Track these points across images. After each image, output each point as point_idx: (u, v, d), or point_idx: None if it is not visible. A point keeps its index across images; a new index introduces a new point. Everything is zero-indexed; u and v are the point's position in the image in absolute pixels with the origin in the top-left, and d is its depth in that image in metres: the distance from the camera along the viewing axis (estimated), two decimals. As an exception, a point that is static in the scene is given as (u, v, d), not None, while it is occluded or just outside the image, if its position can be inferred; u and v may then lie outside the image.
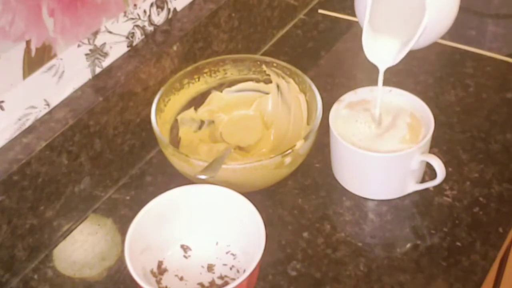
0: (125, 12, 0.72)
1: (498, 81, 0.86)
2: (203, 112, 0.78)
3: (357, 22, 0.98)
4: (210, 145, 0.76)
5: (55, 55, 0.66)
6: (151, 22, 0.77)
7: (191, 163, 0.66)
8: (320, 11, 0.99)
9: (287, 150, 0.66)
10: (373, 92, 0.73)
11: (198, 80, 0.77)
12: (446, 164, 0.67)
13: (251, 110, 0.79)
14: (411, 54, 0.92)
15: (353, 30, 0.97)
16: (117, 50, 0.74)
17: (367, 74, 0.88)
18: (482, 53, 0.90)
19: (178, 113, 0.76)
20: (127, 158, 0.76)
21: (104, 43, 0.71)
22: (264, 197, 0.72)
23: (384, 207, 0.71)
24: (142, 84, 0.74)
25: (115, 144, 0.73)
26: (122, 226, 0.71)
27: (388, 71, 0.89)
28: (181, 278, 0.64)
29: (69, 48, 0.67)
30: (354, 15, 0.98)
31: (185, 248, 0.66)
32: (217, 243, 0.67)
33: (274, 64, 0.77)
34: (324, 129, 0.70)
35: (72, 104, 0.69)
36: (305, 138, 0.67)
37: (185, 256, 0.66)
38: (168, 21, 0.79)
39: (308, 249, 0.68)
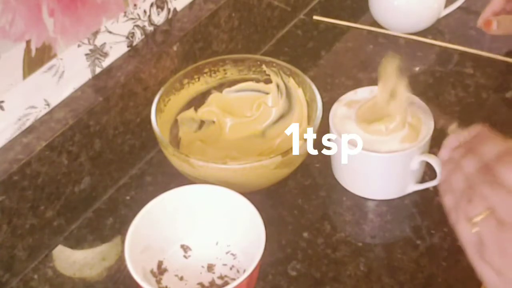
0: (125, 12, 0.72)
1: (498, 81, 0.86)
2: (203, 112, 0.78)
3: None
4: (210, 145, 0.76)
5: (55, 55, 0.66)
6: (151, 22, 0.77)
7: (191, 163, 0.66)
8: (315, 17, 0.99)
9: (287, 150, 0.66)
10: (373, 92, 0.73)
11: (198, 80, 0.77)
12: (446, 164, 0.67)
13: (251, 110, 0.79)
14: (411, 54, 0.92)
15: (353, 30, 0.97)
16: (117, 50, 0.74)
17: (367, 74, 0.89)
18: (482, 53, 0.90)
19: (178, 113, 0.76)
20: (127, 158, 0.76)
21: (104, 43, 0.71)
22: (264, 197, 0.72)
23: (384, 207, 0.71)
24: (142, 84, 0.74)
25: (115, 144, 0.73)
26: (122, 226, 0.71)
27: (388, 71, 0.90)
28: (181, 278, 0.64)
29: (69, 48, 0.67)
30: (350, 20, 0.98)
31: (185, 248, 0.66)
32: (217, 243, 0.67)
33: (274, 64, 0.77)
34: (324, 129, 0.70)
35: (72, 104, 0.69)
36: (305, 138, 0.67)
37: (185, 256, 0.66)
38: (168, 21, 0.79)
39: (308, 249, 0.68)
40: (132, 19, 0.74)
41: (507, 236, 0.46)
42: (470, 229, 0.49)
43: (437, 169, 0.67)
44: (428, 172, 0.72)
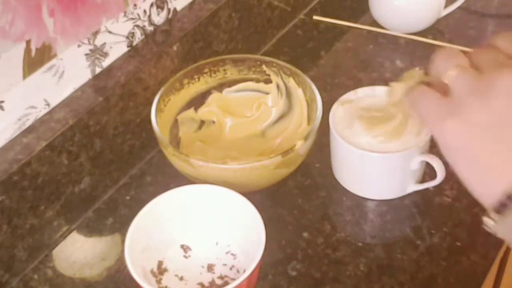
0: (125, 12, 0.72)
1: (498, 81, 0.86)
2: (203, 112, 0.78)
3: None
4: (210, 145, 0.76)
5: (55, 55, 0.66)
6: (151, 22, 0.77)
7: (191, 163, 0.66)
8: (315, 17, 0.99)
9: (287, 150, 0.66)
10: (374, 92, 0.73)
11: (198, 80, 0.77)
12: (446, 164, 0.67)
13: (251, 110, 0.79)
14: (411, 54, 0.92)
15: (353, 30, 0.97)
16: (117, 50, 0.74)
17: (367, 74, 0.89)
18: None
19: (178, 113, 0.76)
20: (127, 158, 0.76)
21: (104, 43, 0.71)
22: (264, 197, 0.72)
23: (384, 207, 0.71)
24: (142, 84, 0.74)
25: (115, 144, 0.73)
26: (122, 226, 0.71)
27: (388, 71, 0.90)
28: (181, 278, 0.64)
29: (69, 48, 0.67)
30: (350, 20, 0.98)
31: (185, 248, 0.66)
32: (217, 243, 0.67)
33: (274, 64, 0.77)
34: (324, 129, 0.70)
35: (72, 104, 0.69)
36: (305, 138, 0.67)
37: (185, 256, 0.66)
38: (168, 21, 0.79)
39: (308, 249, 0.68)
40: (132, 19, 0.74)
41: (485, 82, 0.44)
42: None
43: (437, 169, 0.67)
44: (428, 172, 0.72)
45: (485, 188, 0.45)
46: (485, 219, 0.45)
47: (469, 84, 0.45)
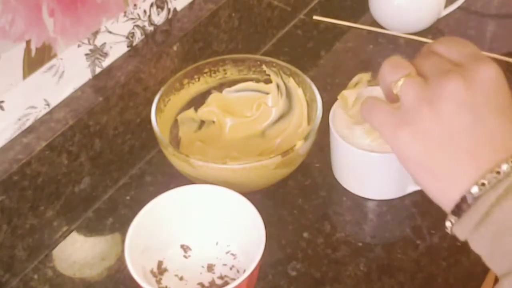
0: (125, 12, 0.72)
1: (498, 81, 0.86)
2: (203, 112, 0.78)
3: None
4: (210, 145, 0.76)
5: (55, 55, 0.66)
6: (151, 22, 0.77)
7: (191, 163, 0.66)
8: (315, 17, 0.99)
9: (287, 150, 0.66)
10: (374, 92, 0.72)
11: (198, 80, 0.77)
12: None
13: (251, 110, 0.79)
14: (411, 54, 0.92)
15: (353, 30, 0.97)
16: (117, 50, 0.74)
17: (367, 74, 0.89)
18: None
19: (178, 113, 0.76)
20: (127, 158, 0.76)
21: (104, 43, 0.71)
22: (264, 197, 0.72)
23: (384, 207, 0.71)
24: (142, 84, 0.74)
25: (115, 144, 0.73)
26: (122, 226, 0.71)
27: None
28: (181, 278, 0.64)
29: (69, 48, 0.67)
30: (350, 20, 0.98)
31: (185, 248, 0.66)
32: (217, 243, 0.67)
33: (274, 64, 0.77)
34: (324, 129, 0.70)
35: (72, 104, 0.69)
36: (305, 138, 0.67)
37: (185, 256, 0.66)
38: (168, 21, 0.80)
39: (308, 249, 0.68)
40: (132, 19, 0.74)
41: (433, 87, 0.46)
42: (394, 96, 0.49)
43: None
44: (428, 172, 0.72)
45: (443, 196, 0.47)
46: (446, 222, 0.47)
47: (418, 93, 0.47)
